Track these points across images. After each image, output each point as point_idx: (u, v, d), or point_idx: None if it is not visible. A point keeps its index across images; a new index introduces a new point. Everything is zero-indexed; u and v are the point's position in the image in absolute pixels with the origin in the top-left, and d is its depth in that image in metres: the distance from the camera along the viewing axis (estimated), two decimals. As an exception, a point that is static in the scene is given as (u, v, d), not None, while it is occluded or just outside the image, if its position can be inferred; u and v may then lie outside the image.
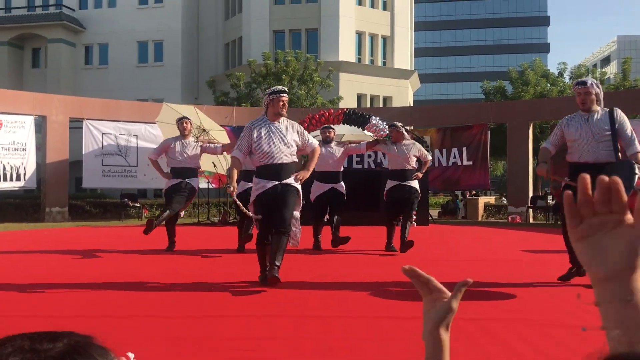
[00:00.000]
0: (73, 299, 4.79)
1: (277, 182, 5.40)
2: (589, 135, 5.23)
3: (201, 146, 8.31)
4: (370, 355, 3.25)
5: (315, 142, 5.79)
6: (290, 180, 5.46)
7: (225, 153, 9.36)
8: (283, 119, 5.58)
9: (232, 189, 5.51)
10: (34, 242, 9.74)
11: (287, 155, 5.47)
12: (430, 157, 8.48)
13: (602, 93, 5.41)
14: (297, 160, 5.71)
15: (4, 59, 32.06)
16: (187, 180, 8.09)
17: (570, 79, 28.86)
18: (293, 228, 5.61)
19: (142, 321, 4.00)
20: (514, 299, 4.80)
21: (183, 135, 8.24)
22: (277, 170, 5.43)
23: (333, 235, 8.17)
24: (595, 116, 5.30)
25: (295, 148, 5.59)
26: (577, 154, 5.36)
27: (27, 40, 32.99)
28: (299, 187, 5.56)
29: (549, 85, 28.01)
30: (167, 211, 7.91)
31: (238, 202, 6.29)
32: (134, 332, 3.70)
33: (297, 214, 5.63)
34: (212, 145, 8.55)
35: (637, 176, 4.95)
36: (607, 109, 5.30)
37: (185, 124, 8.26)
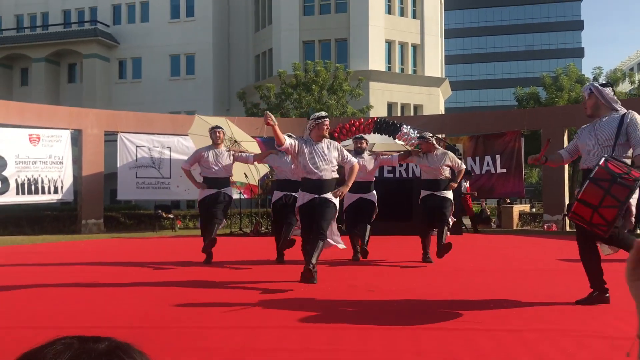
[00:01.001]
0: (109, 310, 4.85)
1: (316, 196, 6.13)
2: (593, 140, 5.06)
3: (233, 155, 8.28)
4: (405, 367, 3.21)
5: (353, 160, 6.46)
6: (329, 195, 6.15)
7: (256, 163, 9.45)
8: (324, 140, 6.28)
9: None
10: (71, 254, 9.93)
11: (327, 172, 6.18)
12: (464, 166, 8.37)
13: (609, 96, 5.13)
14: (337, 176, 6.35)
15: (42, 75, 32.96)
16: (222, 190, 8.10)
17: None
18: (333, 236, 6.42)
19: (176, 332, 4.03)
20: (551, 309, 4.69)
21: (215, 144, 8.21)
22: (318, 185, 6.16)
23: (361, 246, 8.04)
24: (603, 120, 5.05)
25: (336, 165, 6.31)
26: (583, 160, 5.17)
27: (63, 56, 33.85)
28: (337, 202, 6.27)
29: (583, 90, 27.47)
30: (215, 225, 7.91)
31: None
32: (169, 343, 3.72)
33: (334, 225, 6.41)
34: (244, 154, 8.50)
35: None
36: (622, 113, 5.01)
37: (218, 133, 8.24)
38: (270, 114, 5.78)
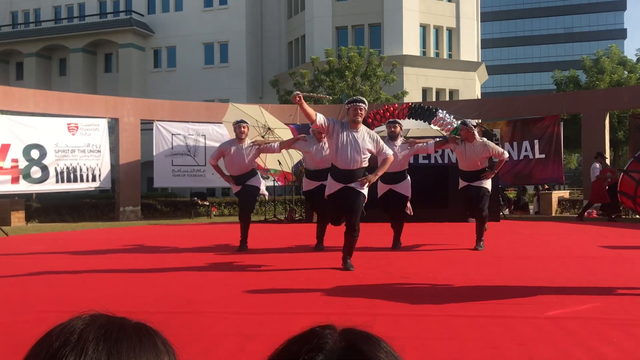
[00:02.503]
0: (146, 296, 4.90)
1: (344, 185, 6.10)
2: None
3: (258, 148, 8.04)
4: (443, 353, 3.15)
5: (389, 152, 6.29)
6: (357, 185, 6.07)
7: (284, 150, 9.34)
8: (362, 128, 6.14)
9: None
10: (110, 240, 10.11)
11: (357, 162, 6.06)
12: (506, 155, 7.90)
13: None
14: (367, 165, 6.21)
15: (79, 65, 33.56)
16: (247, 184, 8.02)
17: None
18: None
19: (214, 317, 4.04)
20: (594, 297, 4.56)
21: (239, 139, 8.01)
22: (346, 175, 6.09)
23: (394, 240, 8.05)
24: None
25: (368, 155, 6.17)
26: None
27: (100, 46, 34.39)
28: (365, 192, 6.16)
29: (626, 72, 26.66)
30: (244, 226, 8.09)
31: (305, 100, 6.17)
32: (207, 328, 3.73)
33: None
34: (269, 145, 8.21)
35: None
36: None
37: (242, 128, 8.04)
38: (298, 92, 5.73)
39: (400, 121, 8.25)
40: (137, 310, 4.30)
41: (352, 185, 6.08)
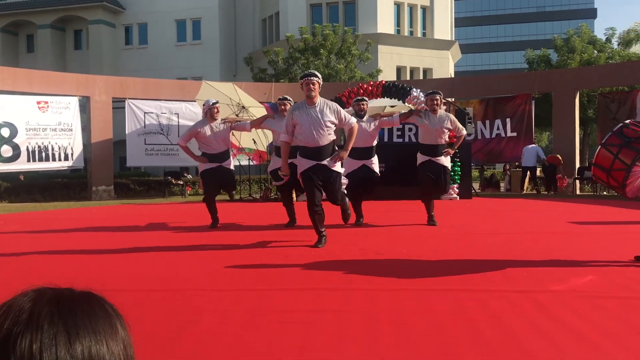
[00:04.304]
0: (121, 275, 4.90)
1: (316, 162, 6.01)
2: None
3: (230, 126, 8.05)
4: (418, 326, 3.23)
5: (352, 120, 6.21)
6: (330, 162, 6.02)
7: (259, 129, 9.45)
8: (320, 101, 5.99)
9: (284, 174, 6.32)
10: (83, 220, 10.01)
11: (324, 136, 5.97)
12: (464, 132, 8.08)
13: None
14: (334, 137, 6.14)
15: (47, 42, 32.76)
16: (223, 164, 8.02)
17: (618, 45, 27.79)
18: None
19: (191, 294, 4.07)
20: (562, 270, 4.69)
21: (213, 118, 7.95)
22: (316, 152, 6.00)
23: (355, 211, 8.18)
24: None
25: (333, 128, 6.06)
26: None
27: (69, 22, 33.59)
28: (339, 168, 6.17)
29: (596, 52, 27.04)
30: (232, 195, 8.82)
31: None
32: (184, 305, 3.76)
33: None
34: (240, 123, 8.25)
35: None
36: None
37: (217, 109, 8.00)
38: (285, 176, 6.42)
39: (375, 100, 8.28)
40: (111, 288, 4.30)
41: (325, 162, 6.02)
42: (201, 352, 2.86)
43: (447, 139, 7.88)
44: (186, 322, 3.37)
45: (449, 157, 7.88)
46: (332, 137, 6.08)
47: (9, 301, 0.69)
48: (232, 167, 8.22)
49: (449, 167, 7.90)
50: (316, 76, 5.95)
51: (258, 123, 8.16)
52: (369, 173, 7.87)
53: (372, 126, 7.84)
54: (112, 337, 0.69)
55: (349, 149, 6.16)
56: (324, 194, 6.29)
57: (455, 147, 8.19)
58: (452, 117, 7.82)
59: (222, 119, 8.10)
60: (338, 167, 6.14)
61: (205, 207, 8.34)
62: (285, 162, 6.25)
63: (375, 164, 7.94)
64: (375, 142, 8.01)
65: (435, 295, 3.95)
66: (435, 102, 7.65)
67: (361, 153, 7.76)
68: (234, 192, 8.81)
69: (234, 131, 14.61)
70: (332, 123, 6.01)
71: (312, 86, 5.90)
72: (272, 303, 3.80)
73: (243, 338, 3.06)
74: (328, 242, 6.25)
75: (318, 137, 5.92)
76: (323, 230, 6.19)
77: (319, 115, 5.91)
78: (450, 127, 7.76)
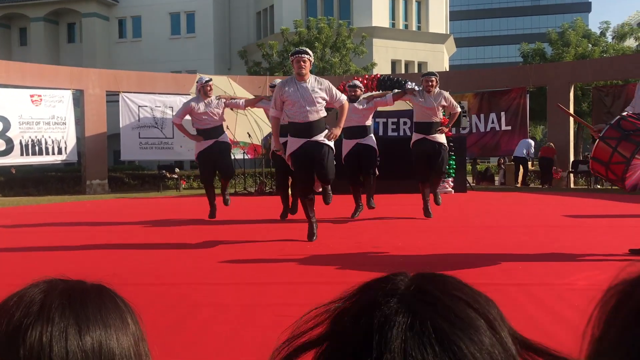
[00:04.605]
0: (117, 269, 4.89)
1: (307, 140, 5.83)
2: None
3: (224, 102, 7.83)
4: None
5: (343, 97, 6.06)
6: (320, 137, 5.84)
7: (249, 108, 9.34)
8: (311, 78, 5.85)
9: (280, 150, 6.19)
10: (77, 214, 9.98)
11: (314, 112, 5.79)
12: (459, 109, 7.94)
13: None
14: (325, 114, 5.98)
15: (41, 35, 32.54)
16: (219, 139, 7.78)
17: (612, 38, 27.83)
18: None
19: (187, 288, 4.06)
20: (557, 264, 4.71)
21: (207, 96, 7.72)
22: (306, 128, 5.82)
23: (367, 199, 7.96)
24: None
25: (323, 104, 5.89)
26: None
27: (62, 15, 33.36)
28: (331, 144, 5.94)
29: (590, 45, 27.08)
30: (226, 183, 8.30)
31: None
32: (180, 299, 3.76)
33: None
34: (234, 100, 8.00)
35: None
36: None
37: (210, 86, 7.73)
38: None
39: (369, 93, 8.25)
40: (106, 282, 4.29)
41: (315, 138, 5.85)
42: (198, 345, 2.86)
43: (442, 117, 7.82)
44: (183, 315, 3.36)
45: (443, 135, 7.73)
46: (323, 113, 5.93)
47: (21, 291, 0.68)
48: (227, 141, 8.00)
49: (445, 145, 7.70)
50: (307, 53, 5.81)
51: (253, 103, 8.13)
52: (365, 149, 7.78)
53: (364, 105, 7.83)
54: (123, 331, 0.68)
55: (342, 125, 6.07)
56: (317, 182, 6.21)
57: (450, 125, 8.11)
58: (447, 94, 7.68)
59: (216, 96, 7.93)
60: (330, 143, 5.95)
61: (204, 200, 8.27)
62: (276, 138, 6.22)
63: (371, 142, 7.87)
64: (369, 122, 7.96)
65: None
66: (430, 83, 7.50)
67: (354, 132, 7.80)
68: (227, 193, 8.21)
69: (228, 124, 14.61)
70: (323, 99, 5.86)
71: (302, 63, 5.75)
72: (268, 297, 3.80)
73: (239, 331, 3.06)
74: (323, 236, 6.25)
75: (308, 112, 5.76)
76: (313, 215, 6.17)
77: (309, 91, 5.76)
78: (446, 104, 7.66)
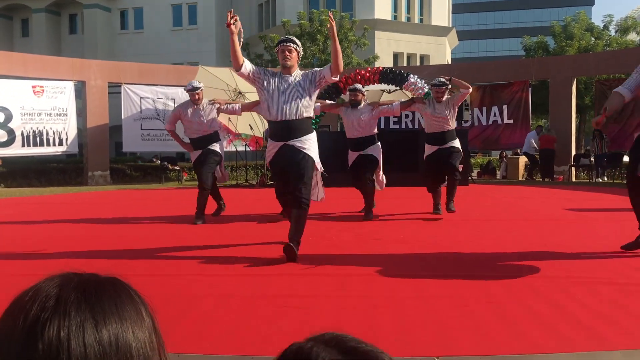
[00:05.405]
0: (119, 259, 4.90)
1: (283, 143, 4.90)
2: None
3: (218, 108, 7.36)
4: (413, 311, 3.25)
5: (325, 66, 5.01)
6: (300, 143, 4.85)
7: (255, 113, 8.95)
8: (297, 72, 4.99)
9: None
10: (80, 205, 9.99)
11: (294, 110, 4.84)
12: (470, 89, 7.31)
13: None
14: (312, 115, 5.06)
15: (42, 26, 32.50)
16: (208, 147, 7.34)
17: (616, 32, 27.73)
18: (315, 192, 5.35)
19: (191, 279, 4.08)
20: (559, 257, 4.71)
21: (195, 104, 7.34)
22: (283, 128, 4.88)
23: (366, 212, 7.44)
24: None
25: (308, 101, 4.91)
26: None
27: (64, 7, 33.30)
28: (311, 151, 4.91)
29: (593, 39, 26.98)
30: (203, 192, 7.28)
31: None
32: (182, 290, 3.77)
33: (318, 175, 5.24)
34: (230, 106, 7.40)
35: None
36: None
37: (197, 95, 7.28)
38: (234, 15, 4.83)
39: (373, 86, 8.07)
40: (108, 274, 4.30)
41: (292, 142, 4.87)
42: (200, 336, 2.87)
43: (454, 124, 7.35)
44: (185, 306, 3.37)
45: (457, 140, 7.35)
46: (308, 114, 4.94)
47: (36, 286, 0.68)
48: (218, 149, 7.43)
49: (460, 149, 7.30)
50: (294, 42, 4.97)
51: (250, 107, 7.13)
52: (365, 158, 7.38)
53: (369, 115, 7.34)
54: (138, 324, 0.69)
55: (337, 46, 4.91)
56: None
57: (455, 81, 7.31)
58: (457, 96, 7.22)
59: (210, 100, 7.49)
60: (310, 150, 4.91)
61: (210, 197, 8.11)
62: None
63: (373, 151, 7.42)
64: (375, 131, 7.55)
65: (432, 281, 3.96)
66: (440, 94, 7.17)
67: (359, 144, 7.40)
68: (204, 185, 7.27)
69: (230, 116, 14.60)
70: (310, 91, 4.91)
71: (288, 53, 4.91)
72: (270, 288, 3.81)
73: (241, 322, 3.07)
74: (325, 228, 6.25)
75: (287, 108, 4.83)
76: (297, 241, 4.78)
77: (292, 86, 4.88)
78: (457, 103, 7.20)
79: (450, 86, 7.26)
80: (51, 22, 33.06)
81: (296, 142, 4.86)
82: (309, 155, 4.87)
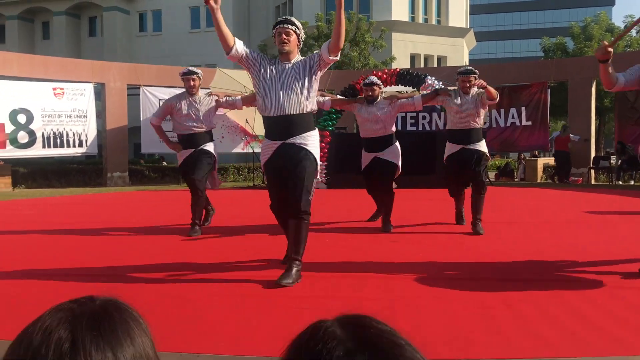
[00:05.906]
0: (132, 263, 4.95)
1: (281, 142, 4.20)
2: None
3: (216, 101, 6.46)
4: (430, 312, 3.24)
5: (323, 46, 4.17)
6: (301, 139, 4.17)
7: (246, 107, 7.75)
8: (297, 59, 4.25)
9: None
10: (99, 206, 10.10)
11: (293, 103, 4.12)
12: (497, 98, 6.49)
13: None
14: (314, 108, 4.30)
15: (62, 28, 32.92)
16: (201, 147, 6.46)
17: (637, 32, 27.40)
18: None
19: (205, 281, 4.10)
20: (578, 260, 4.67)
21: (190, 93, 6.41)
22: (280, 125, 4.16)
23: (384, 217, 6.69)
24: None
25: (310, 91, 4.17)
26: None
27: (84, 9, 33.71)
28: (315, 153, 4.24)
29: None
30: (198, 198, 6.57)
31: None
32: (199, 292, 3.79)
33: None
34: (230, 98, 6.46)
35: None
36: None
37: (192, 81, 6.39)
38: None
39: (389, 88, 7.75)
40: (121, 274, 4.35)
41: (292, 140, 4.17)
42: (217, 336, 2.89)
43: (482, 123, 6.53)
44: (201, 307, 3.40)
45: (484, 142, 6.51)
46: (310, 107, 4.22)
47: (41, 324, 0.68)
48: (212, 150, 6.58)
49: (487, 154, 6.49)
50: (293, 24, 4.20)
51: (252, 100, 6.23)
52: (382, 164, 6.61)
53: (387, 110, 6.54)
54: (147, 344, 0.72)
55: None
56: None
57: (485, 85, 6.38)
58: (482, 95, 6.33)
59: (207, 92, 6.71)
60: (312, 148, 4.23)
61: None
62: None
63: (391, 155, 6.62)
64: (393, 129, 6.72)
65: (450, 283, 3.94)
66: (468, 84, 6.37)
67: (374, 144, 6.63)
68: (198, 191, 6.53)
69: (247, 118, 14.63)
70: (310, 83, 4.16)
71: (285, 37, 4.17)
72: (287, 289, 3.82)
73: (258, 323, 3.08)
74: (342, 229, 6.24)
75: (286, 101, 4.10)
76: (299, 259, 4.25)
77: (291, 75, 4.15)
78: (486, 103, 6.33)
79: (478, 74, 6.52)
80: (71, 25, 33.48)
81: (296, 139, 4.17)
82: (311, 153, 4.19)
